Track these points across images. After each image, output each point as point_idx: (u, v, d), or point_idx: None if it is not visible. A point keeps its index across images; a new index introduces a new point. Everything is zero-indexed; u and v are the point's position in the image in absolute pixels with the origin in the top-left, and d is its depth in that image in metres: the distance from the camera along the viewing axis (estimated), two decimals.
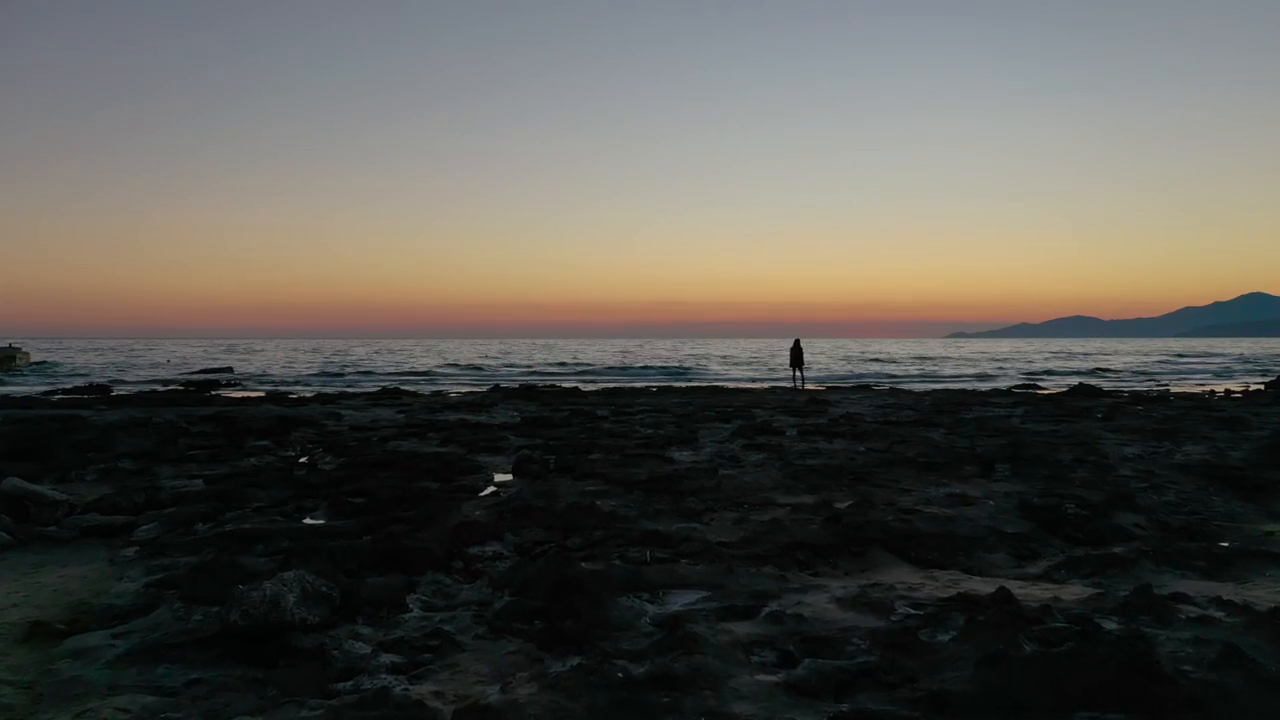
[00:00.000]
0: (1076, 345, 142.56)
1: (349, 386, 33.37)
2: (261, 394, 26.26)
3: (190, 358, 65.16)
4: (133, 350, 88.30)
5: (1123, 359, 66.85)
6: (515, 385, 29.33)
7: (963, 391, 27.10)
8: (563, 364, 51.24)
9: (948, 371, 48.86)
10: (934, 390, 28.28)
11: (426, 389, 32.32)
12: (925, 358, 67.08)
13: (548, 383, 35.07)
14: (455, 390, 29.78)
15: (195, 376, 37.21)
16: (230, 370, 43.87)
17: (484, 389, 29.22)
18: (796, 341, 27.68)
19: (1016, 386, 30.24)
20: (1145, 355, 75.17)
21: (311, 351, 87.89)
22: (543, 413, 18.29)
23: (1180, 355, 73.75)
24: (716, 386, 30.35)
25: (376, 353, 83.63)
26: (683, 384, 35.05)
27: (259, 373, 43.08)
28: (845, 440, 13.22)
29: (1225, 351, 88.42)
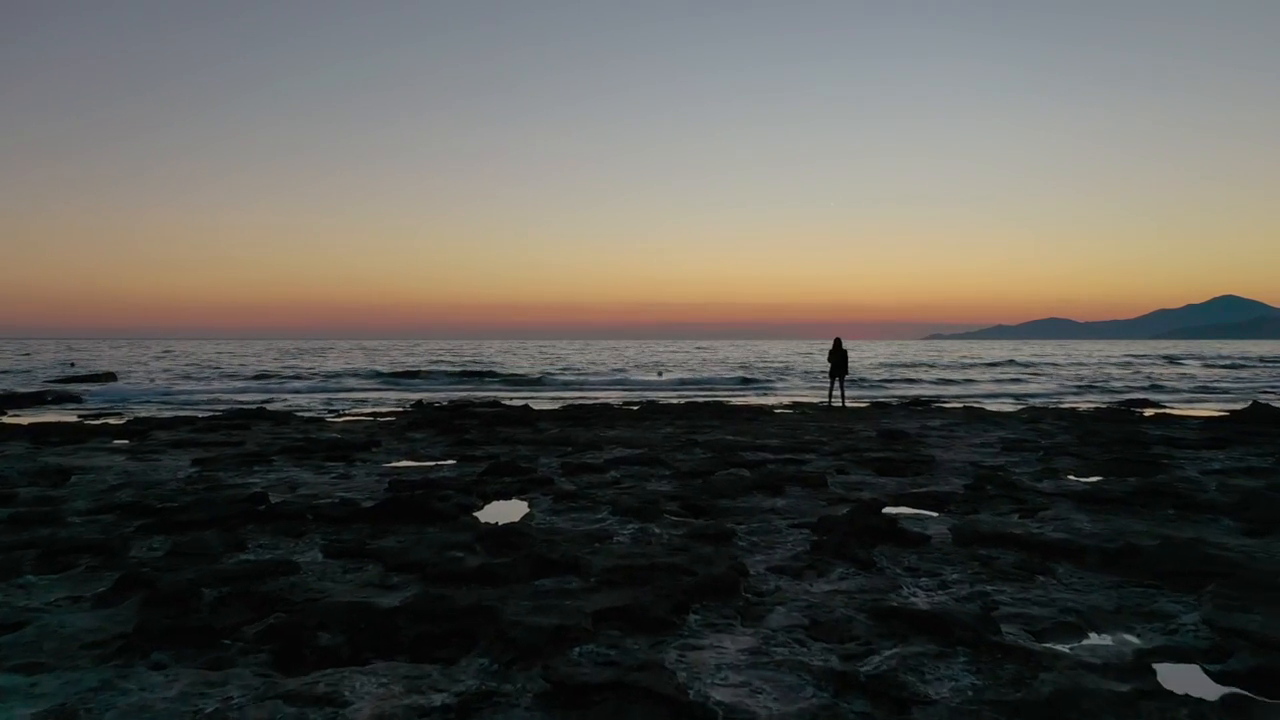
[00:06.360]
0: (1058, 347, 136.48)
1: (227, 400, 25.26)
2: (74, 418, 18.29)
3: (122, 359, 56.39)
4: (81, 351, 78.96)
5: (1164, 368, 60.10)
6: (444, 403, 21.49)
7: (1061, 410, 19.50)
8: (512, 376, 43.14)
9: (979, 379, 41.60)
10: (1023, 408, 20.70)
11: (343, 400, 24.44)
12: (934, 364, 59.73)
13: (496, 396, 27.26)
14: (362, 411, 21.79)
15: (43, 387, 28.96)
16: (112, 377, 35.61)
17: (404, 407, 21.34)
18: (838, 342, 19.89)
19: (1133, 402, 22.61)
20: (1172, 360, 68.44)
21: (275, 352, 78.98)
22: (442, 468, 10.54)
23: (1221, 358, 67.06)
24: (719, 403, 22.63)
25: (347, 354, 74.82)
26: (673, 396, 27.35)
27: (144, 383, 34.76)
28: (1108, 578, 5.55)
29: (1244, 354, 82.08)
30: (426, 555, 5.84)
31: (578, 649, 4.19)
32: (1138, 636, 4.51)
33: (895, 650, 4.21)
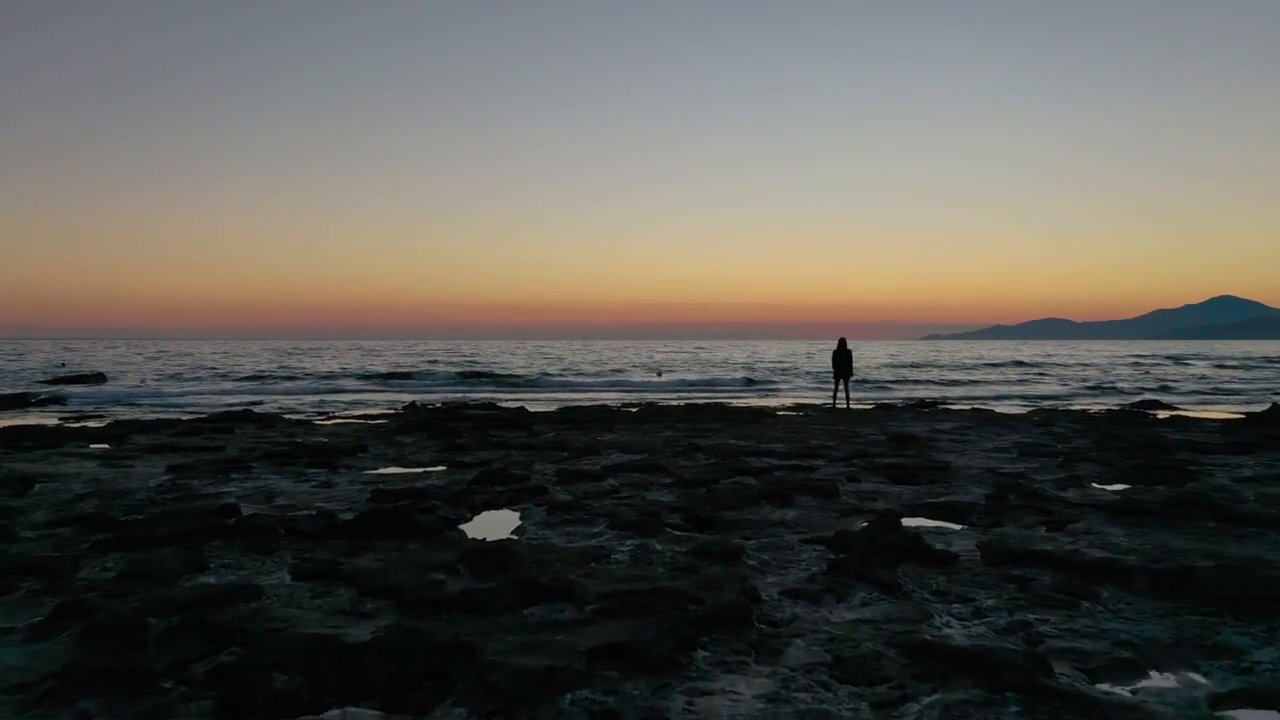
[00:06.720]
0: (1059, 347, 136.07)
1: (217, 402, 24.72)
2: (54, 421, 17.75)
3: (113, 359, 55.69)
4: (75, 351, 78.22)
5: (1171, 368, 59.59)
6: (438, 405, 20.97)
7: (1073, 412, 18.99)
8: (508, 377, 42.60)
9: (985, 380, 41.08)
10: (1033, 410, 20.19)
11: (335, 401, 23.90)
12: (937, 364, 59.25)
13: (492, 398, 26.74)
14: (353, 414, 21.25)
15: (28, 388, 28.40)
16: (102, 378, 35.03)
17: (396, 409, 20.81)
18: (842, 342, 19.39)
19: (1145, 404, 22.06)
20: (1179, 361, 67.97)
21: (271, 352, 78.20)
22: (430, 475, 9.99)
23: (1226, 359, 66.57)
24: (720, 405, 22.10)
25: (344, 354, 74.09)
26: (673, 397, 26.84)
27: (133, 384, 34.17)
28: (1160, 604, 5.00)
29: (1246, 354, 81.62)
30: (405, 578, 5.28)
31: (569, 696, 3.65)
32: (1206, 676, 3.96)
33: (935, 696, 3.67)
